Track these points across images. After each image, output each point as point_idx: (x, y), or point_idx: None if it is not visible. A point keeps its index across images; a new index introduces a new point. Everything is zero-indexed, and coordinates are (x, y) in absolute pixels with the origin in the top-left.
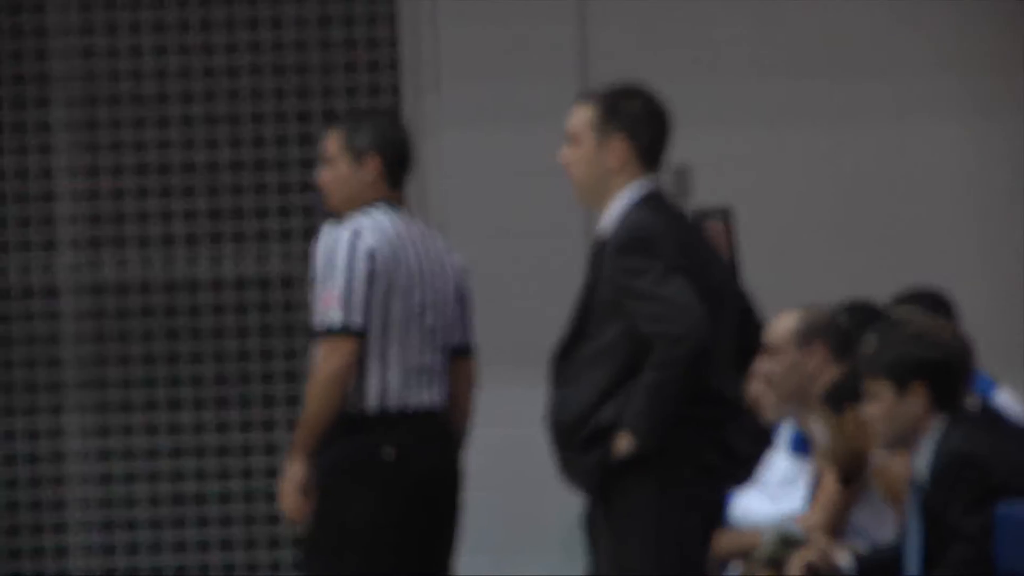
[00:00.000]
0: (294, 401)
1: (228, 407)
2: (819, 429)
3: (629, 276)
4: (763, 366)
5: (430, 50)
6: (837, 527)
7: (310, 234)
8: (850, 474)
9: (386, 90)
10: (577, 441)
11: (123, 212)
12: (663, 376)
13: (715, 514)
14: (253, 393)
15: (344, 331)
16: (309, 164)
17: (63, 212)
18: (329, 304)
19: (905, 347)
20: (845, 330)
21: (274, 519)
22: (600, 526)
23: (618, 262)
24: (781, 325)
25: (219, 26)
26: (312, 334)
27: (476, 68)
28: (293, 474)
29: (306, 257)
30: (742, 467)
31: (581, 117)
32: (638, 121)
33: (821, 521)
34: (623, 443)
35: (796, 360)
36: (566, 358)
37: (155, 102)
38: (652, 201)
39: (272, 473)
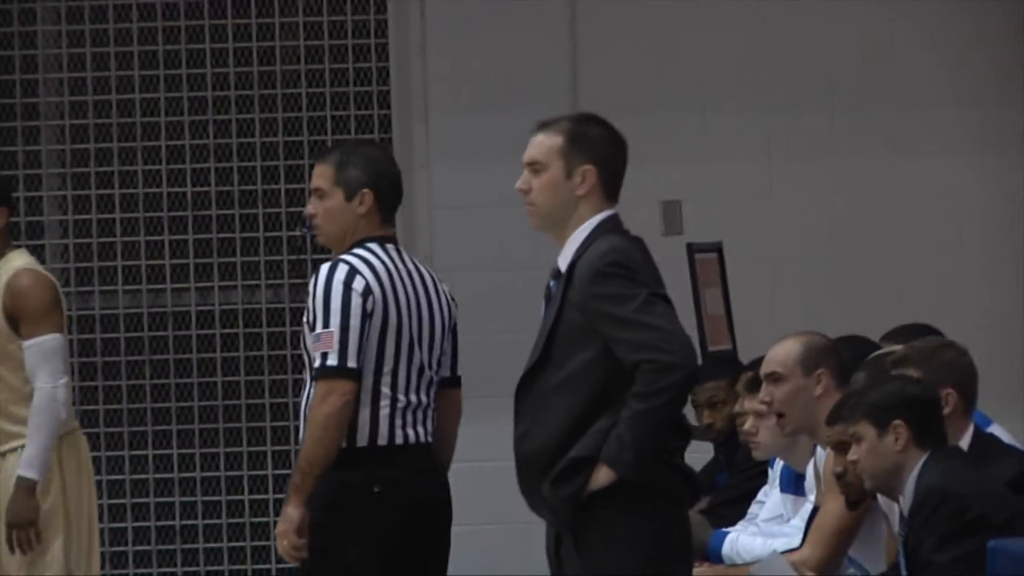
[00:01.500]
0: (281, 435)
1: (215, 442)
2: (825, 454)
3: (610, 302)
4: (754, 403)
5: (418, 82)
6: (835, 561)
7: (298, 268)
8: (860, 494)
9: (375, 123)
10: (549, 473)
11: (112, 245)
12: (649, 406)
13: (685, 546)
14: (240, 427)
15: (341, 372)
16: (298, 197)
17: (52, 245)
18: (326, 345)
19: (883, 388)
20: (847, 358)
21: (263, 554)
22: (569, 556)
23: (595, 288)
24: (784, 351)
25: (208, 60)
26: (312, 371)
27: (464, 100)
28: (290, 517)
29: (294, 291)
30: (696, 498)
31: (546, 144)
32: (602, 149)
33: (817, 555)
34: (601, 475)
35: (803, 385)
36: (530, 388)
37: (144, 135)
38: (618, 228)
39: (260, 508)
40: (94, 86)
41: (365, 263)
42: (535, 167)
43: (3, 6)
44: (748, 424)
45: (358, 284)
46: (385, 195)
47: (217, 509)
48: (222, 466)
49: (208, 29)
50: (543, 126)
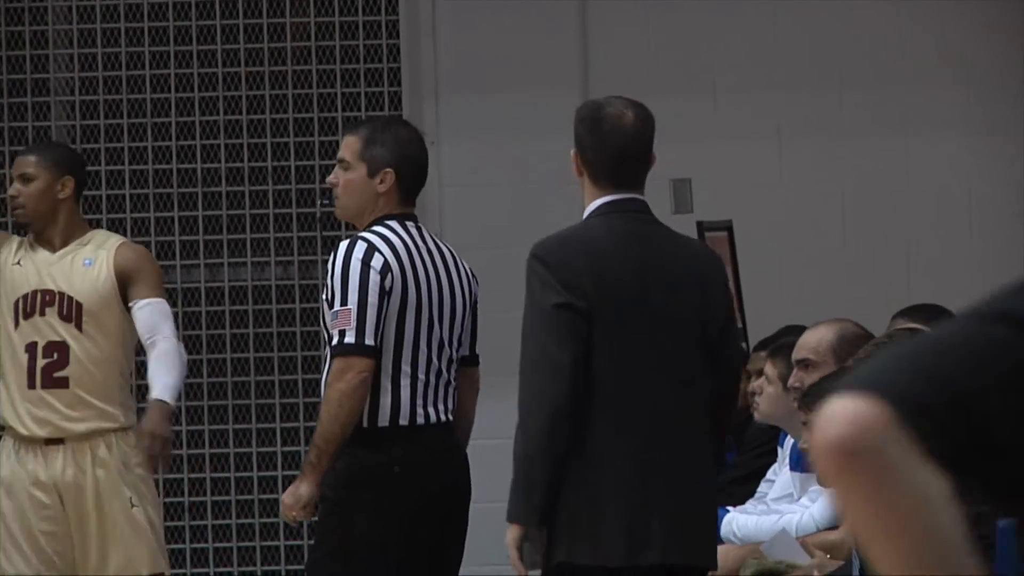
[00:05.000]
0: (291, 413)
1: (224, 418)
2: None
3: (528, 296)
4: (777, 369)
5: (429, 60)
6: None
7: (308, 245)
8: None
9: (386, 100)
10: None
11: (122, 221)
12: (522, 445)
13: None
14: (249, 404)
15: (358, 350)
16: (307, 174)
17: None
18: (344, 322)
19: (834, 380)
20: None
21: (273, 531)
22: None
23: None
24: (816, 337)
25: (218, 36)
26: (331, 350)
27: (475, 78)
28: (300, 494)
29: (304, 268)
30: None
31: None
32: (583, 136)
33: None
34: (511, 535)
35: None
36: None
37: (154, 111)
38: (596, 216)
39: (269, 485)
40: (104, 62)
41: (384, 240)
42: None
43: None
44: (757, 382)
45: (376, 262)
46: (406, 177)
47: (226, 485)
48: (231, 443)
49: (219, 5)
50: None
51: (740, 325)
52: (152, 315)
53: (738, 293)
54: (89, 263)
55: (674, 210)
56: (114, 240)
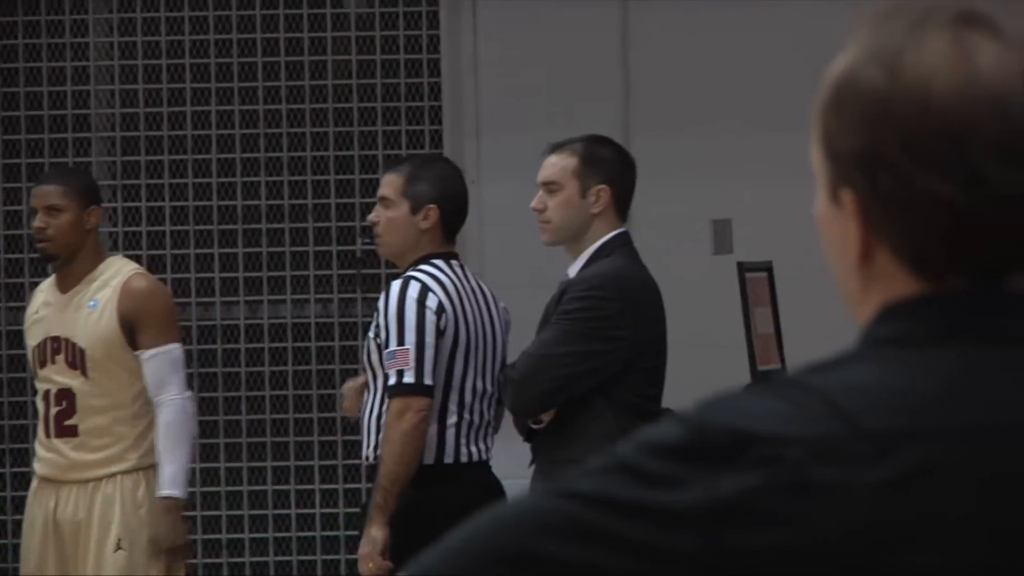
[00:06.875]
0: (328, 450)
1: (262, 455)
2: None
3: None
4: None
5: (470, 98)
6: None
7: (347, 282)
8: None
9: (427, 138)
10: None
11: (162, 258)
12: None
13: None
14: (288, 441)
15: (417, 389)
16: (348, 212)
17: None
18: (402, 362)
19: None
20: None
21: (310, 568)
22: None
23: (563, 304)
24: None
25: (259, 72)
26: (377, 387)
27: (516, 117)
28: (374, 538)
29: (343, 305)
30: None
31: (560, 165)
32: (615, 170)
33: None
34: None
35: None
36: None
37: (195, 148)
38: (624, 247)
39: (307, 523)
40: (145, 98)
41: (435, 280)
42: (551, 187)
43: (56, 18)
44: None
45: (431, 302)
46: (449, 214)
47: (264, 522)
48: (269, 480)
49: (260, 42)
50: (556, 147)
51: (780, 365)
52: (159, 368)
53: (778, 334)
54: (93, 305)
55: (714, 251)
56: (124, 274)
